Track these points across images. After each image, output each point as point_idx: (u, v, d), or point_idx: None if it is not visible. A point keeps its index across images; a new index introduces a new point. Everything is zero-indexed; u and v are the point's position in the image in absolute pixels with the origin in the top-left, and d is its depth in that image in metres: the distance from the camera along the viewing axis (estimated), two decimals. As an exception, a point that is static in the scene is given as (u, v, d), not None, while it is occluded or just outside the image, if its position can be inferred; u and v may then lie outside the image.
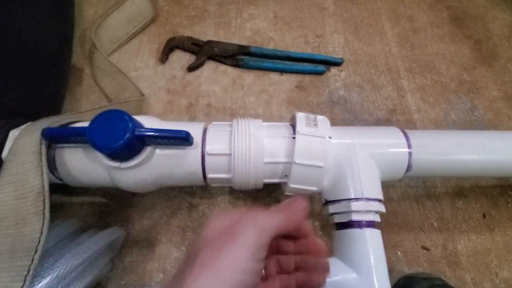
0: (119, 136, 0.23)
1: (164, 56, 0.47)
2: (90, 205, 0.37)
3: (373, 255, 0.26)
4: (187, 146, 0.27)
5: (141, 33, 0.49)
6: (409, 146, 0.31)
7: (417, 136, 0.32)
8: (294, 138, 0.28)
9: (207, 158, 0.28)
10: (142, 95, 0.44)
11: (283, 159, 0.28)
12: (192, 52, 0.48)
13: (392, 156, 0.30)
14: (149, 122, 0.28)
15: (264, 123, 0.31)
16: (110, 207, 0.37)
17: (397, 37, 0.51)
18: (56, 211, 0.36)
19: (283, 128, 0.30)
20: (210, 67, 0.48)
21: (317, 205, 0.38)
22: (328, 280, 0.26)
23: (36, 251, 0.21)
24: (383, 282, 0.25)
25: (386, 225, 0.38)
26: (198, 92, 0.45)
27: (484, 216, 0.39)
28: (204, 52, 0.47)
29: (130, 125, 0.23)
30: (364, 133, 0.31)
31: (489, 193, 0.40)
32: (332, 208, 0.28)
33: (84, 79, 0.46)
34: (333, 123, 0.44)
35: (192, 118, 0.43)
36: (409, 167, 0.30)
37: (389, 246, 0.37)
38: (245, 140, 0.28)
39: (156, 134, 0.24)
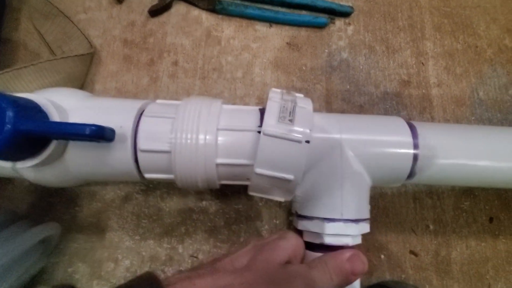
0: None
1: (119, -8, 0.36)
2: (21, 182, 0.32)
3: (344, 286, 0.21)
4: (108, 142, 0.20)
5: (90, -43, 0.38)
6: (416, 146, 0.23)
7: (427, 132, 0.24)
8: (259, 133, 0.21)
9: (140, 155, 0.21)
10: (92, 47, 0.35)
11: (243, 161, 0.21)
12: (156, -11, 0.37)
13: (390, 159, 0.23)
14: (67, 101, 0.21)
15: (226, 106, 0.23)
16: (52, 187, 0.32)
17: (430, -21, 0.39)
18: (-8, 188, 0.31)
19: (248, 117, 0.22)
20: (178, 11, 0.37)
21: (295, 197, 0.33)
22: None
23: None
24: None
25: (374, 224, 0.32)
26: (162, 46, 0.36)
27: (491, 220, 0.33)
28: (170, -11, 0.36)
29: (8, 118, 0.16)
30: (357, 125, 0.23)
31: (503, 194, 0.34)
32: (302, 224, 0.23)
33: (22, 21, 0.36)
34: (328, 95, 0.35)
35: (154, 81, 0.35)
36: (411, 174, 0.23)
37: (372, 248, 0.32)
38: (191, 133, 0.20)
39: (51, 131, 0.17)
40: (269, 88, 0.35)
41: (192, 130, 0.20)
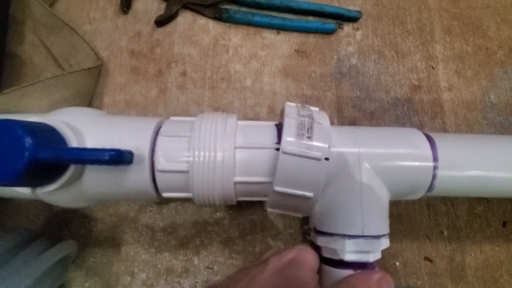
0: (9, 165, 0.16)
1: (125, 3, 0.36)
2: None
3: (365, 301, 0.21)
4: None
5: (94, -32, 0.37)
6: (435, 159, 0.23)
7: (446, 143, 0.24)
8: (278, 149, 0.21)
9: (158, 175, 0.21)
10: (99, 59, 0.34)
11: (261, 178, 0.21)
12: (162, -2, 0.36)
13: (409, 173, 0.23)
14: (82, 121, 0.21)
15: (241, 123, 0.23)
16: (68, 201, 0.32)
17: (438, -20, 0.38)
18: (5, 204, 0.32)
19: (264, 133, 0.22)
20: (185, 20, 0.37)
21: (308, 207, 0.33)
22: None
23: None
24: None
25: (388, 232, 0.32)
26: (170, 56, 0.36)
27: (504, 224, 0.33)
28: (176, -2, 0.36)
29: (27, 146, 0.16)
30: (374, 138, 0.23)
31: (517, 197, 0.34)
32: (321, 241, 0.22)
33: (27, 35, 0.36)
34: (339, 102, 0.35)
35: (163, 92, 0.35)
36: (431, 187, 0.23)
37: (387, 256, 0.32)
38: (209, 151, 0.20)
39: (70, 157, 0.17)
40: (279, 97, 0.35)
41: (209, 148, 0.20)
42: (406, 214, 0.33)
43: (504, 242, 0.33)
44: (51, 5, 0.36)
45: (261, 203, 0.33)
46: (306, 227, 0.32)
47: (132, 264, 0.31)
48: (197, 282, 0.31)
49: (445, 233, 0.33)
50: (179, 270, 0.31)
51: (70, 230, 0.32)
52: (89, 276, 0.31)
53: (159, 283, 0.31)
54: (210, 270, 0.31)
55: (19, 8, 0.36)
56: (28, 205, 0.32)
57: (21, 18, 0.37)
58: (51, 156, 0.17)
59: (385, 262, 0.32)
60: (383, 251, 0.32)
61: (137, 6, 0.37)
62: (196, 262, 0.31)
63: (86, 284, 0.31)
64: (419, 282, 0.32)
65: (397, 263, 0.32)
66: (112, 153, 0.17)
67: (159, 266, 0.31)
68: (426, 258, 0.32)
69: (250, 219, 0.32)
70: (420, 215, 0.33)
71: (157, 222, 0.32)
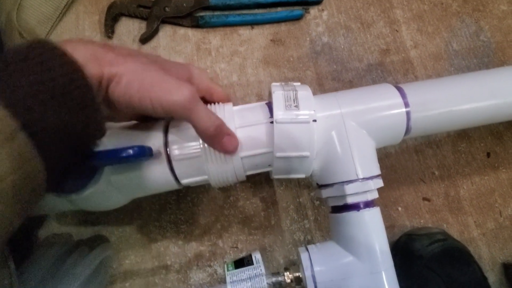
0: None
1: (109, 29, 0.39)
2: (74, 215, 0.35)
3: (373, 236, 0.24)
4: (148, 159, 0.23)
5: (74, 3, 0.40)
6: (406, 105, 0.26)
7: (414, 90, 0.27)
8: (272, 123, 0.24)
9: (175, 164, 0.24)
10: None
11: (263, 150, 0.25)
12: (141, 18, 0.40)
13: (387, 121, 0.26)
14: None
15: (235, 108, 0.26)
16: (95, 214, 0.35)
17: (386, -48, 0.42)
18: (38, 227, 0.35)
19: (258, 111, 0.26)
20: (166, 33, 0.40)
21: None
22: (326, 267, 0.25)
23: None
24: (386, 263, 0.24)
25: (385, 182, 0.35)
26: (160, 68, 0.39)
27: (488, 155, 0.37)
28: (154, 15, 0.39)
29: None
30: (352, 98, 0.27)
31: (494, 129, 0.37)
32: (325, 193, 0.26)
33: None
34: (319, 78, 0.39)
35: (160, 101, 0.38)
36: (408, 129, 0.27)
37: (389, 203, 0.36)
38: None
39: (104, 158, 0.20)
40: (265, 85, 0.38)
41: (214, 133, 0.24)
42: (398, 163, 0.36)
43: (492, 170, 0.36)
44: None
45: (266, 181, 0.36)
46: (312, 193, 0.36)
47: (164, 258, 0.34)
48: (225, 261, 0.34)
49: (436, 173, 0.36)
50: (207, 254, 0.34)
51: (102, 240, 0.35)
52: (128, 276, 0.34)
53: (192, 269, 0.34)
54: (236, 249, 0.34)
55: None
56: (58, 225, 0.35)
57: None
58: (86, 161, 0.20)
59: (388, 209, 0.35)
60: (384, 200, 0.35)
61: (119, 29, 0.40)
62: (221, 245, 0.35)
63: (126, 284, 0.34)
64: (422, 221, 0.35)
65: (399, 208, 0.35)
66: (135, 148, 0.20)
67: (189, 254, 0.34)
68: (424, 199, 0.36)
69: (261, 197, 0.36)
70: (411, 162, 0.36)
71: (178, 216, 0.35)
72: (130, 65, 0.20)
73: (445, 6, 0.41)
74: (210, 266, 0.34)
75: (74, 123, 0.17)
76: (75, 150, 0.19)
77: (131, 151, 0.20)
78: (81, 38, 0.20)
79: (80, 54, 0.18)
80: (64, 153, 0.17)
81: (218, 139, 0.22)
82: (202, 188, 0.36)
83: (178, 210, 0.36)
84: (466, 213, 0.35)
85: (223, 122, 0.23)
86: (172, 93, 0.20)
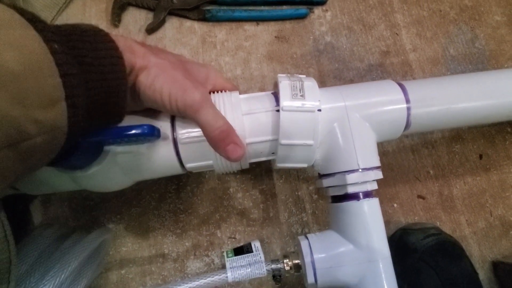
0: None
1: (115, 17, 0.39)
2: (72, 201, 0.35)
3: (371, 225, 0.25)
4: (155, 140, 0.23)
5: (82, -10, 0.41)
6: (407, 101, 0.27)
7: (414, 88, 0.28)
8: (278, 111, 0.25)
9: (181, 147, 0.24)
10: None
11: (268, 137, 0.25)
12: (148, 8, 0.40)
13: (388, 115, 0.27)
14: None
15: (242, 96, 0.27)
16: (94, 200, 0.35)
17: (388, -41, 0.43)
18: (35, 211, 0.34)
19: (264, 100, 0.26)
20: (173, 24, 0.41)
21: (310, 169, 0.37)
22: (325, 254, 0.25)
23: (9, 282, 0.20)
24: (383, 251, 0.25)
25: (382, 179, 0.36)
26: (165, 58, 0.39)
27: (480, 157, 0.38)
28: (162, 6, 0.40)
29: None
30: (356, 92, 0.27)
31: (487, 132, 0.39)
32: (326, 182, 0.26)
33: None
34: (321, 75, 0.40)
35: (164, 90, 0.38)
36: (408, 125, 0.28)
37: (385, 200, 0.36)
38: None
39: (110, 137, 0.20)
40: (268, 80, 0.39)
41: (221, 118, 0.24)
42: (395, 161, 0.37)
43: (483, 172, 0.38)
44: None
45: (266, 174, 0.37)
46: (311, 188, 0.36)
47: (161, 247, 0.34)
48: (223, 251, 0.34)
49: (431, 172, 0.37)
50: (205, 244, 0.34)
51: (99, 226, 0.34)
52: (124, 264, 0.34)
53: (189, 258, 0.34)
54: (233, 239, 0.35)
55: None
56: (55, 210, 0.35)
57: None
58: (99, 137, 0.20)
59: (384, 205, 0.36)
60: (380, 196, 0.36)
61: (126, 18, 0.41)
62: (219, 235, 0.35)
63: (122, 272, 0.34)
64: (416, 218, 0.36)
65: (395, 205, 0.36)
66: (145, 127, 0.21)
67: (187, 244, 0.34)
68: (419, 196, 0.37)
69: (260, 189, 0.36)
70: (407, 161, 0.37)
71: (177, 206, 0.35)
72: (159, 60, 0.22)
73: (443, 13, 0.42)
74: (207, 255, 0.34)
75: (104, 104, 0.19)
76: (93, 128, 0.20)
77: (140, 130, 0.20)
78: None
79: (120, 44, 0.20)
80: (84, 129, 0.18)
81: (223, 144, 0.22)
82: (202, 178, 0.36)
83: (178, 199, 0.36)
84: (458, 211, 0.36)
85: (231, 129, 0.23)
86: (187, 93, 0.22)
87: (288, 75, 0.27)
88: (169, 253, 0.34)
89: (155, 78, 0.21)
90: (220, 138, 0.22)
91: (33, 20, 0.16)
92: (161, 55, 0.23)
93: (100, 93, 0.18)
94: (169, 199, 0.36)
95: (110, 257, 0.34)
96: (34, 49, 0.15)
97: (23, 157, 0.15)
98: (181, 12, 0.40)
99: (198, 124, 0.22)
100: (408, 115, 0.27)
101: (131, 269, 0.34)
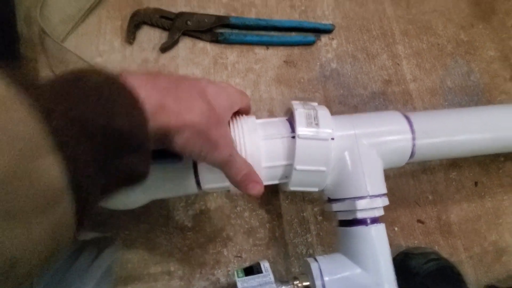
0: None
1: (131, 35, 0.41)
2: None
3: (378, 250, 0.26)
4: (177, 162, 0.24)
5: (98, 7, 0.42)
6: (413, 132, 0.29)
7: (419, 119, 0.30)
8: (293, 137, 0.26)
9: (200, 169, 0.25)
10: (114, 86, 0.38)
11: (283, 162, 0.26)
12: (163, 28, 0.42)
13: (395, 144, 0.29)
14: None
15: (258, 121, 0.28)
16: (103, 215, 0.35)
17: (391, -6, 0.46)
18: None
19: (280, 126, 0.28)
20: (186, 45, 0.42)
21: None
22: (334, 277, 0.26)
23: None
24: (389, 275, 0.26)
25: None
26: (177, 77, 0.41)
27: (476, 184, 0.40)
28: (176, 27, 0.41)
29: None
30: (366, 121, 0.29)
31: (482, 161, 0.41)
32: (336, 207, 0.28)
33: (40, 71, 0.40)
34: (327, 101, 0.41)
35: (175, 108, 0.39)
36: (412, 154, 0.29)
37: (386, 223, 0.37)
38: (240, 145, 0.25)
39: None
40: (276, 102, 0.41)
41: (239, 142, 0.25)
42: (396, 187, 0.39)
43: (479, 198, 0.40)
44: (62, 40, 0.40)
45: (273, 194, 0.37)
46: (316, 209, 0.37)
47: (167, 264, 0.35)
48: (229, 270, 0.35)
49: (430, 197, 0.39)
50: (211, 262, 0.35)
51: (108, 240, 0.34)
52: (129, 281, 0.34)
53: (195, 277, 0.34)
54: (240, 258, 0.35)
55: (29, 46, 0.40)
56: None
57: (31, 55, 0.40)
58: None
59: (386, 229, 0.37)
60: (383, 220, 0.37)
61: (140, 36, 0.42)
62: (225, 253, 0.35)
63: (128, 288, 0.33)
64: (416, 242, 0.37)
65: (396, 228, 0.38)
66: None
67: (193, 262, 0.35)
68: (419, 221, 0.38)
69: (267, 209, 0.37)
70: (407, 186, 0.39)
71: (185, 223, 0.36)
72: (194, 118, 0.20)
73: (441, 47, 0.45)
74: (213, 274, 0.34)
75: (118, 180, 0.16)
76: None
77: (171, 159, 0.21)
78: (148, 71, 0.22)
79: (150, 102, 0.17)
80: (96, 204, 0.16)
81: (245, 184, 0.24)
82: (210, 196, 0.37)
83: (186, 217, 0.36)
84: (455, 236, 0.38)
85: (251, 170, 0.24)
86: (218, 151, 0.22)
87: (301, 102, 0.29)
88: (175, 270, 0.34)
89: (189, 140, 0.20)
90: (243, 180, 0.24)
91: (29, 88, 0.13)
92: (195, 106, 0.20)
93: (116, 171, 0.15)
94: (177, 217, 0.36)
95: (116, 274, 0.34)
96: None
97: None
98: (194, 34, 0.42)
99: (224, 173, 0.24)
100: (413, 145, 0.29)
101: (137, 286, 0.34)
